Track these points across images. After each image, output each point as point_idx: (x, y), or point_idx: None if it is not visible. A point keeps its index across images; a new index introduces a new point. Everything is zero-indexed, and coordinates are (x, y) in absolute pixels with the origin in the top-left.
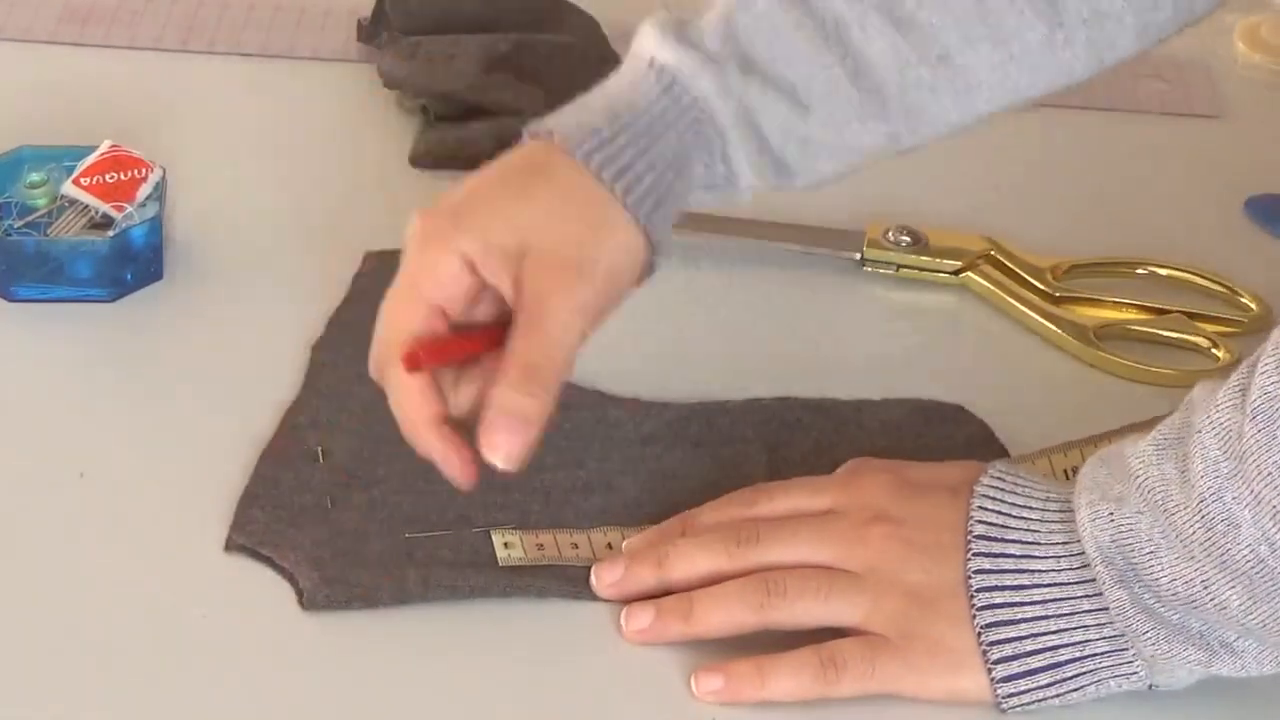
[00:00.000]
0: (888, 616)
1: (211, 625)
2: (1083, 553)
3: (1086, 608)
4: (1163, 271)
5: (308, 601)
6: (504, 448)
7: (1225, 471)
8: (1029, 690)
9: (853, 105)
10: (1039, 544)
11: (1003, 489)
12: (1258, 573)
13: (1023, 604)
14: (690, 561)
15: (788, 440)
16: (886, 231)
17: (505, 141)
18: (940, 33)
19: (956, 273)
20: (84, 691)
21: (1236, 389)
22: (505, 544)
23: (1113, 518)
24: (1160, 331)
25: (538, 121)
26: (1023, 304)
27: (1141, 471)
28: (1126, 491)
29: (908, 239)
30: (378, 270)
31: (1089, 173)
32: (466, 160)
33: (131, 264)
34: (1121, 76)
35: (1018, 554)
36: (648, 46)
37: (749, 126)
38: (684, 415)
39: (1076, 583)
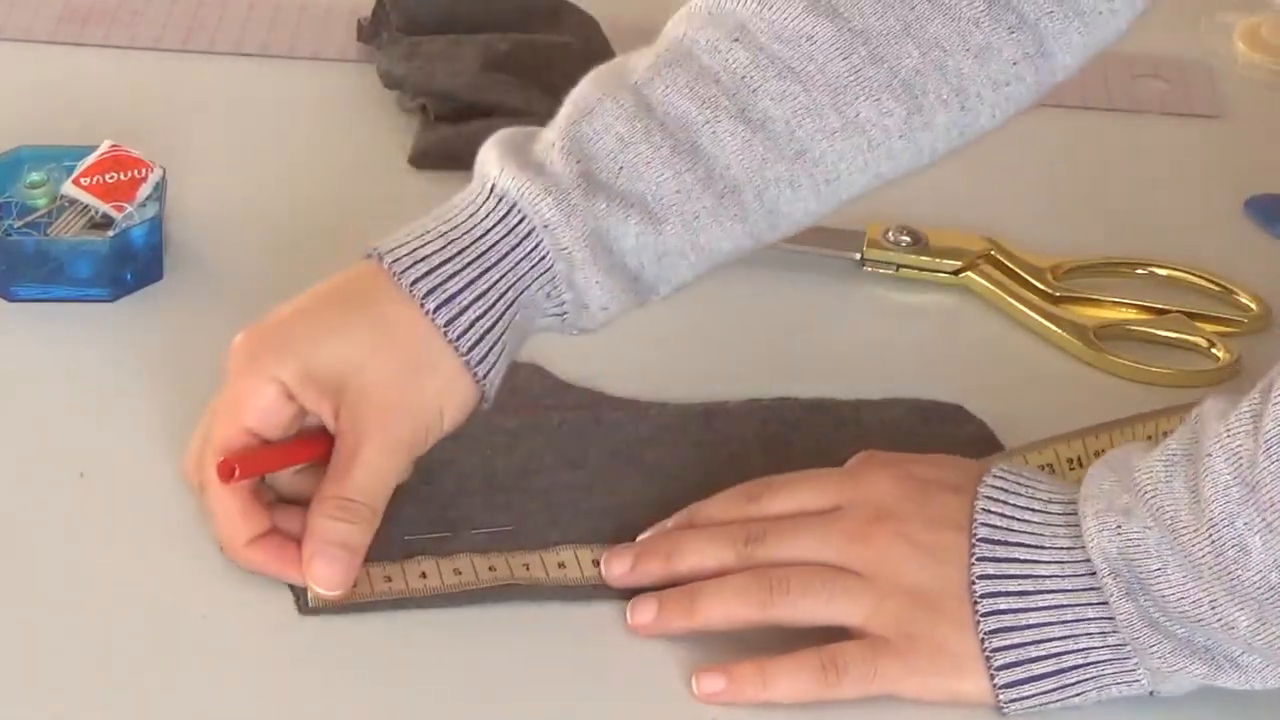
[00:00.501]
0: (890, 618)
1: (211, 626)
2: (1088, 560)
3: (1091, 615)
4: (1162, 271)
5: (305, 604)
6: (326, 577)
7: (1236, 497)
8: (1032, 695)
9: (708, 210)
10: (1044, 548)
11: (1005, 489)
12: (1267, 598)
13: (1027, 610)
14: (699, 557)
15: (788, 440)
16: (886, 231)
17: None
18: (794, 128)
19: (956, 273)
20: (83, 691)
21: (1249, 414)
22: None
23: (1120, 530)
24: (1160, 331)
25: (374, 244)
26: (1023, 304)
27: (1150, 487)
28: (1134, 504)
29: (908, 239)
30: None
31: (1089, 173)
32: (466, 160)
33: (131, 264)
34: (1121, 76)
35: (1023, 558)
36: (490, 171)
37: (599, 249)
38: (684, 415)
39: (1082, 590)
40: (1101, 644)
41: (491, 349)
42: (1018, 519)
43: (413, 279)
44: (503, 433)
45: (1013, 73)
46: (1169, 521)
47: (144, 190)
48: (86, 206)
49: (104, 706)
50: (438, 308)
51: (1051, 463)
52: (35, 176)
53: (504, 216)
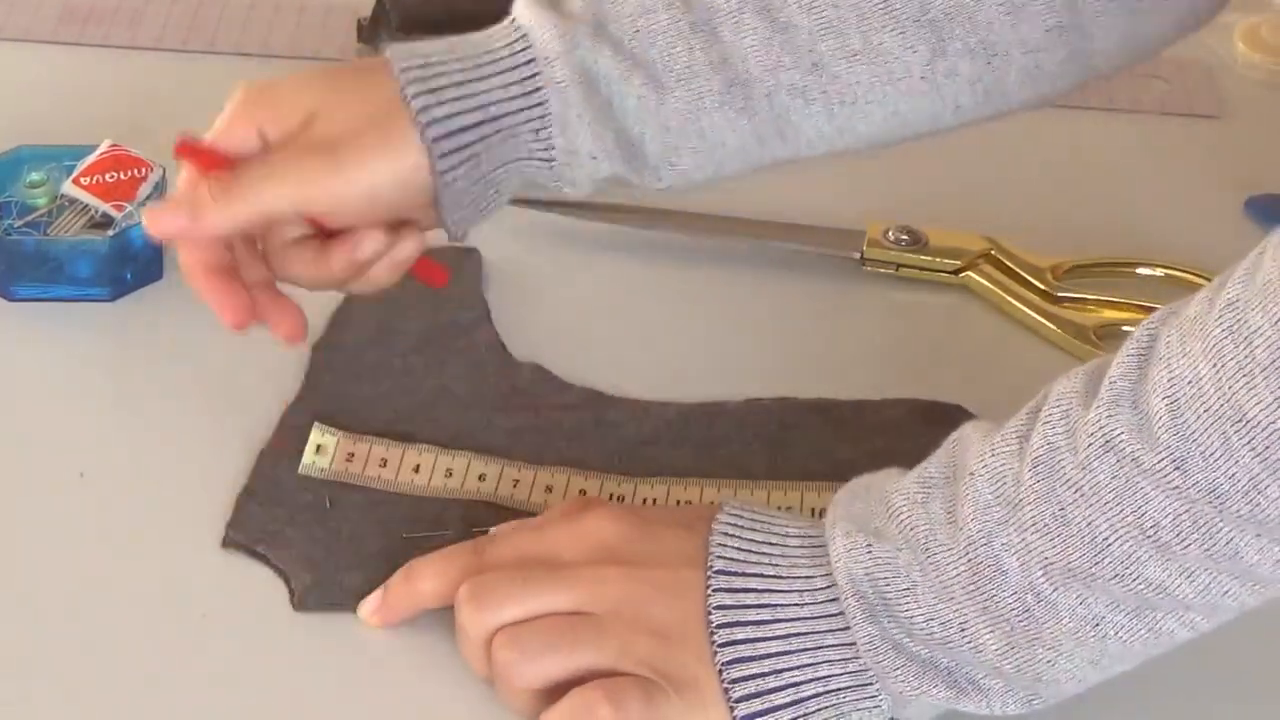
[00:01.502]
0: (639, 658)
1: (211, 625)
2: (828, 586)
3: (830, 642)
4: (1162, 271)
5: (299, 602)
6: (155, 222)
7: (996, 517)
8: None
9: (714, 94)
10: (781, 578)
11: (740, 524)
12: (1020, 620)
13: (765, 639)
14: (436, 579)
15: (788, 440)
16: (886, 231)
17: None
18: (817, 40)
19: (956, 273)
20: (83, 692)
21: (1015, 435)
22: (317, 447)
23: (870, 550)
24: None
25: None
26: (1023, 304)
27: (905, 509)
28: (886, 526)
29: (908, 239)
30: None
31: (1089, 173)
32: None
33: (131, 264)
34: (1121, 76)
35: (760, 588)
36: (518, 5)
37: (593, 91)
38: (684, 415)
39: (821, 617)
40: (841, 671)
41: (458, 145)
42: (754, 551)
43: (403, 65)
44: (504, 432)
45: (1044, 40)
46: (923, 542)
47: (144, 190)
48: (86, 206)
49: (104, 706)
50: (412, 83)
51: (794, 505)
52: (35, 176)
53: (510, 42)
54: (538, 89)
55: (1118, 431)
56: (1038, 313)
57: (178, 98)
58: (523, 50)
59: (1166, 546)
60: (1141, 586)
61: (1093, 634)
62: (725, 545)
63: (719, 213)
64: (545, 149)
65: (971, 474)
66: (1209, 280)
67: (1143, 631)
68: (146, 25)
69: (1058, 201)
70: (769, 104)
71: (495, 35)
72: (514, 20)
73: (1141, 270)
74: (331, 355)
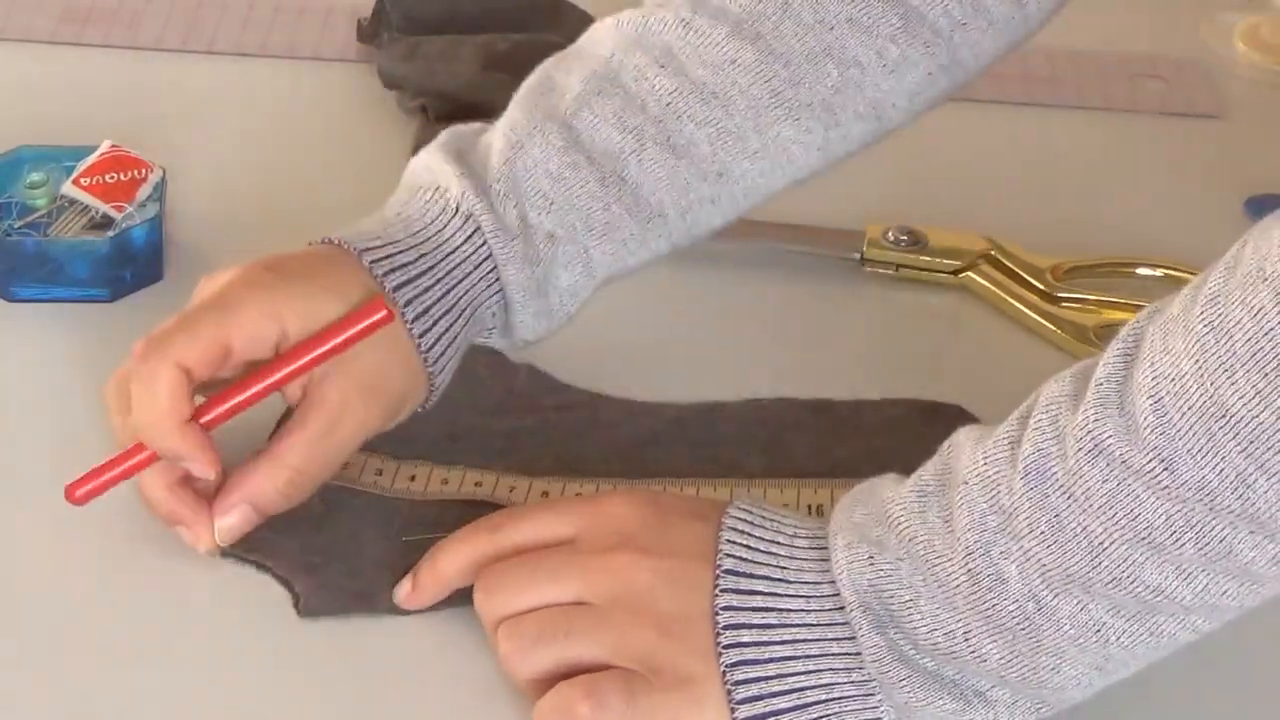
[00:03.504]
0: (634, 650)
1: (211, 629)
2: (835, 594)
3: (836, 650)
4: (1162, 271)
5: (303, 608)
6: (231, 531)
7: (993, 525)
8: None
9: (635, 237)
10: (789, 581)
11: (750, 521)
12: (1022, 629)
13: (771, 643)
14: (455, 562)
15: (787, 440)
16: (886, 231)
17: None
18: (717, 150)
19: (956, 273)
20: (83, 692)
21: (1006, 441)
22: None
23: (872, 561)
24: None
25: (337, 233)
26: (1023, 304)
27: (903, 519)
28: (886, 536)
29: (908, 239)
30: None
31: (1089, 173)
32: None
33: (131, 264)
34: (1121, 76)
35: (767, 591)
36: (449, 188)
37: (537, 295)
38: (682, 415)
39: (827, 624)
40: (845, 679)
41: (447, 356)
42: (762, 551)
43: (394, 285)
44: (501, 434)
45: (927, 82)
46: (922, 552)
47: (144, 190)
48: (86, 206)
49: (103, 707)
50: (415, 318)
51: (790, 505)
52: (35, 176)
53: (470, 236)
54: (495, 281)
55: (1106, 434)
56: (1038, 313)
57: (178, 98)
58: (481, 246)
59: (1161, 548)
60: (1140, 589)
61: (1095, 640)
62: (734, 543)
63: None
64: (490, 332)
65: (965, 482)
66: None
67: (1144, 635)
68: (146, 25)
69: (1058, 201)
70: (682, 221)
71: (450, 232)
72: (458, 207)
73: (1141, 270)
74: None
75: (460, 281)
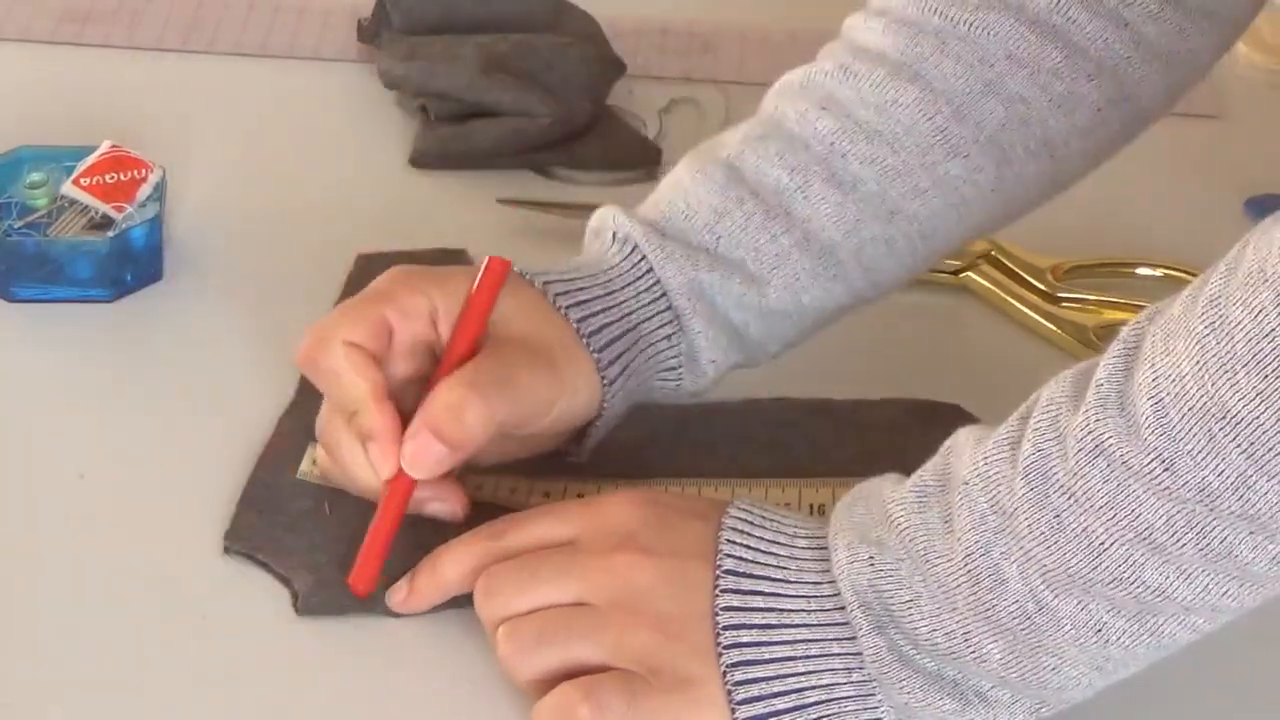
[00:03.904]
0: (634, 651)
1: (212, 628)
2: (836, 594)
3: (836, 650)
4: (1162, 271)
5: (302, 607)
6: (418, 457)
7: (993, 526)
8: None
9: (808, 272)
10: (790, 582)
11: (751, 521)
12: (1023, 629)
13: (771, 644)
14: (457, 568)
15: (787, 440)
16: None
17: (504, 141)
18: (886, 188)
19: (956, 273)
20: (83, 692)
21: (1006, 441)
22: (314, 461)
23: (872, 562)
24: None
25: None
26: (1023, 304)
27: (904, 519)
28: (886, 536)
29: None
30: (367, 272)
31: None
32: (466, 160)
33: (131, 264)
34: None
35: (767, 591)
36: (606, 225)
37: (699, 299)
38: (682, 415)
39: (828, 625)
40: (846, 680)
41: (616, 363)
42: (763, 551)
43: (555, 292)
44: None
45: (1099, 119)
46: (922, 552)
47: (144, 190)
48: (86, 207)
49: (104, 707)
50: (581, 319)
51: (792, 504)
52: (35, 177)
53: (628, 254)
54: (660, 293)
55: (1106, 435)
56: (1038, 313)
57: (178, 98)
58: (639, 260)
59: (1162, 548)
60: (1140, 590)
61: (1095, 640)
62: (734, 543)
63: None
64: (674, 357)
65: (966, 483)
66: None
67: (1145, 636)
68: (146, 25)
69: (1058, 201)
70: (857, 262)
71: (606, 251)
72: (614, 234)
73: (1141, 270)
74: None
75: (621, 289)
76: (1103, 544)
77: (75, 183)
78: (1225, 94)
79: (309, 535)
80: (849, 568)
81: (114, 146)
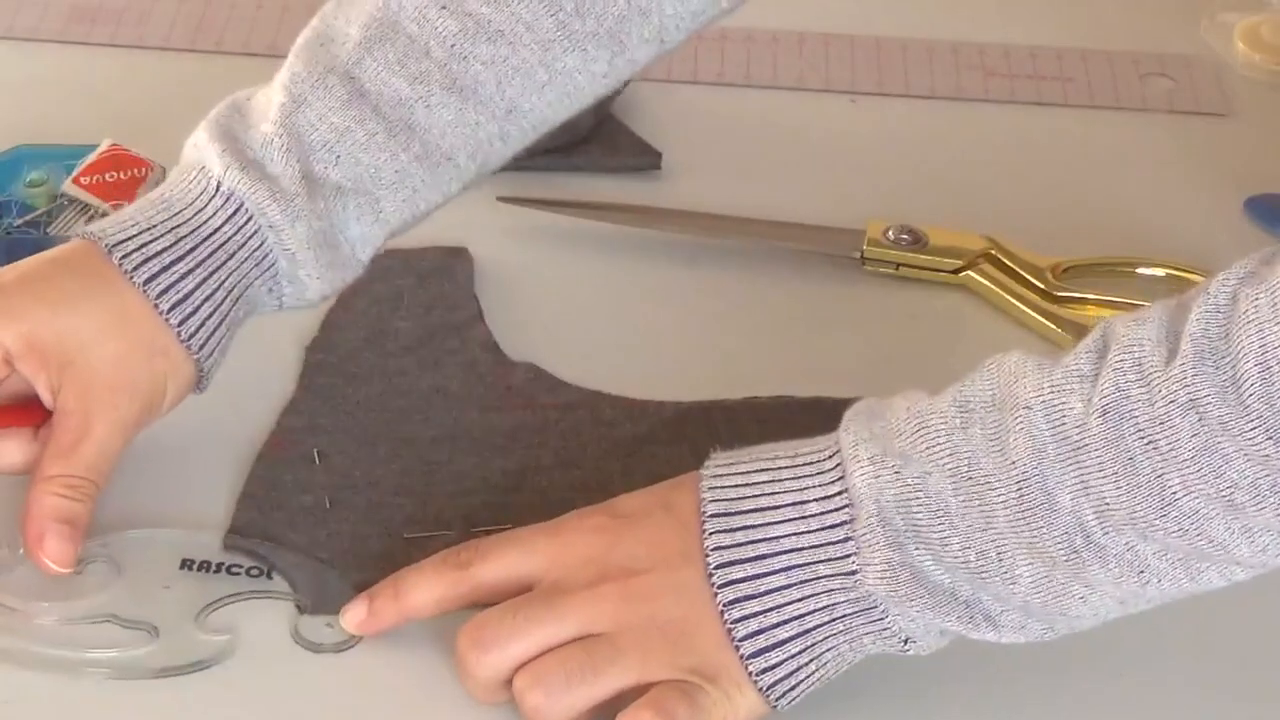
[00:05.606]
0: (664, 663)
1: (209, 625)
2: (831, 510)
3: (825, 572)
4: (1162, 271)
5: (304, 605)
6: (58, 553)
7: (1053, 454)
8: (780, 661)
9: (425, 184)
10: (777, 508)
11: (731, 462)
12: (1065, 558)
13: (764, 575)
14: (425, 592)
15: (786, 439)
16: (886, 231)
17: None
18: (505, 88)
19: (956, 272)
20: (83, 692)
21: (1076, 375)
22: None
23: (899, 474)
24: None
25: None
26: (1023, 304)
27: (943, 433)
28: (913, 447)
29: (908, 238)
30: (366, 271)
31: (1089, 172)
32: None
33: None
34: (1124, 75)
35: (756, 523)
36: (211, 165)
37: (323, 248)
38: (681, 414)
39: (820, 545)
40: (844, 598)
41: (215, 338)
42: (748, 484)
43: (146, 276)
44: (500, 433)
45: (710, 2)
46: (964, 469)
47: (144, 189)
48: (86, 205)
49: (103, 708)
50: (172, 308)
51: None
52: (35, 176)
53: (232, 215)
54: (267, 255)
55: (1204, 392)
56: (1038, 312)
57: (182, 97)
58: (246, 223)
59: (1240, 508)
60: (1202, 542)
61: (1135, 580)
62: (716, 488)
63: (718, 212)
64: (278, 299)
65: (1028, 408)
66: None
67: (1184, 580)
68: (154, 24)
69: (1058, 201)
70: (473, 162)
71: (211, 212)
72: (219, 185)
73: (1141, 270)
74: (325, 357)
75: (224, 263)
76: (1176, 494)
77: (75, 181)
78: (1226, 94)
79: (310, 532)
80: (874, 480)
81: (114, 145)
